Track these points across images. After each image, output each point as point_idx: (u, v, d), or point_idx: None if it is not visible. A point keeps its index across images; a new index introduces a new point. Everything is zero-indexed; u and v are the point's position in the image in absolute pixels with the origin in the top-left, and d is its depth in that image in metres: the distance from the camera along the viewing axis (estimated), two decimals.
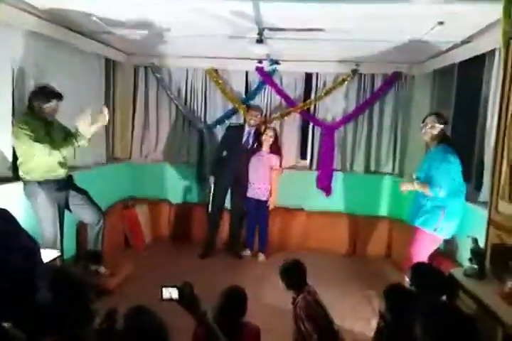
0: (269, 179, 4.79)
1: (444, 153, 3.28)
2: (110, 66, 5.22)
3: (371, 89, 5.27)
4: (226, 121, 5.42)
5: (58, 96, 3.41)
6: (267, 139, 4.74)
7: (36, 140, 3.28)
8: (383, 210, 5.43)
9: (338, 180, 5.45)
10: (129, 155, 5.59)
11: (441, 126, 3.38)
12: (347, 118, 5.34)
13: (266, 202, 4.82)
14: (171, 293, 1.80)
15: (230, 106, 5.43)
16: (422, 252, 3.39)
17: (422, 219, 3.42)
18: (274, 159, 4.79)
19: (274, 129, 4.89)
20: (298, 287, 2.68)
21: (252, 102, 5.38)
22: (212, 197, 4.83)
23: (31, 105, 3.37)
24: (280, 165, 4.86)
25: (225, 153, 4.83)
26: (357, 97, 5.31)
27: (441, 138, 3.39)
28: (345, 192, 5.50)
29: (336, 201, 5.49)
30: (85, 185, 3.88)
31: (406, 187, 3.43)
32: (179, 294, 1.79)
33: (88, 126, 3.39)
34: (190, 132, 5.52)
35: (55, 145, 3.37)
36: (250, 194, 4.82)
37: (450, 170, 3.24)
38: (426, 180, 3.33)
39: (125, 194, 5.52)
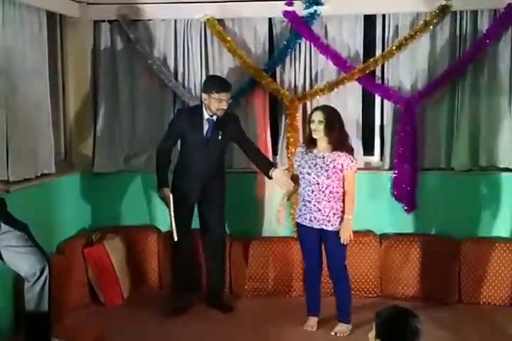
0: (339, 194, 4.56)
1: None
2: (56, 24, 5.27)
3: (473, 35, 5.17)
4: (240, 100, 5.45)
5: None
6: (319, 130, 4.49)
7: None
8: (505, 229, 5.31)
9: (426, 185, 5.40)
10: (91, 161, 5.62)
11: None
12: (436, 85, 5.24)
13: (334, 233, 4.55)
14: None
15: (246, 76, 5.46)
16: None
17: None
18: (343, 159, 4.48)
19: (326, 109, 4.59)
20: None
21: (279, 69, 5.44)
22: (176, 221, 4.85)
23: None
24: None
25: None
26: (450, 49, 5.25)
27: None
28: (441, 203, 5.41)
29: (426, 217, 5.42)
30: (21, 209, 3.90)
31: None
32: None
33: None
34: None
35: None
36: (305, 219, 4.60)
37: None
38: None
39: (87, 221, 5.60)
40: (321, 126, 4.45)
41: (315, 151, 4.55)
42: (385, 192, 5.38)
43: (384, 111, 5.44)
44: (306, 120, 5.00)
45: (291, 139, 5.31)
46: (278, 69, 5.44)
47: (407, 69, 5.33)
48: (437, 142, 5.38)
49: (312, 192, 4.51)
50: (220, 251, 5.14)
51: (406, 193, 5.32)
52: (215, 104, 4.68)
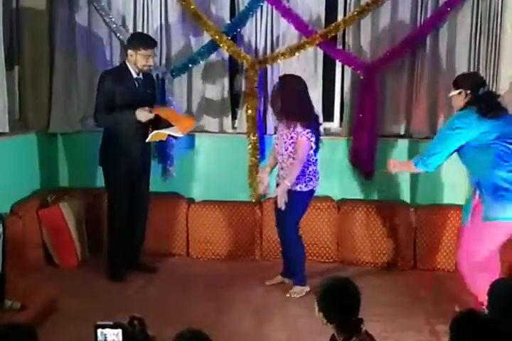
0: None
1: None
2: None
3: (434, 2, 5.22)
4: (201, 62, 5.46)
5: None
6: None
7: None
8: (460, 196, 5.35)
9: (384, 152, 5.45)
10: (46, 122, 5.58)
11: (456, 92, 4.15)
12: (396, 52, 5.29)
13: (288, 192, 4.60)
14: (109, 334, 2.00)
15: (206, 38, 5.46)
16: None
17: None
18: (298, 128, 4.53)
19: (278, 81, 4.73)
20: (347, 323, 2.67)
21: (240, 31, 5.46)
22: (114, 194, 4.92)
23: None
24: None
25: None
26: (412, 16, 5.30)
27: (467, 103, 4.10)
28: None
29: (383, 184, 5.49)
30: None
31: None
32: (124, 336, 1.97)
33: None
34: None
35: None
36: (277, 176, 4.81)
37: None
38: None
39: (42, 182, 5.56)
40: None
41: (284, 121, 4.66)
42: (344, 158, 5.47)
43: (344, 77, 5.50)
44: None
45: (251, 103, 5.35)
46: (239, 32, 5.44)
47: (368, 35, 5.37)
48: (396, 109, 5.46)
49: (279, 161, 4.69)
50: (146, 210, 5.10)
51: (364, 160, 5.41)
52: (142, 61, 4.68)
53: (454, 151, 4.08)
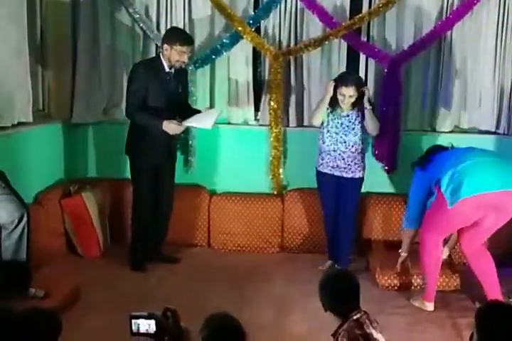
0: (362, 148, 4.91)
1: None
2: None
3: None
4: (224, 54, 5.47)
5: None
6: (348, 103, 4.75)
7: None
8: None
9: (407, 146, 5.47)
10: (69, 112, 5.60)
11: None
12: (422, 45, 5.30)
13: (352, 180, 4.85)
14: (142, 325, 2.03)
15: (230, 29, 5.47)
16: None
17: None
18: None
19: (358, 83, 4.76)
20: (344, 312, 2.83)
21: (264, 23, 5.46)
22: (139, 183, 4.98)
23: None
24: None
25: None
26: (438, 8, 5.29)
27: None
28: None
29: (406, 178, 5.26)
30: None
31: None
32: (157, 327, 2.00)
33: None
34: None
35: None
36: (326, 167, 4.89)
37: None
38: None
39: (65, 172, 5.62)
40: (352, 100, 4.71)
41: (338, 111, 4.79)
42: (367, 151, 5.42)
43: (368, 70, 5.51)
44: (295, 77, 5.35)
45: (274, 95, 5.37)
46: (263, 24, 5.46)
47: (393, 28, 5.37)
48: (421, 102, 5.48)
49: (337, 149, 4.80)
50: (170, 201, 5.15)
51: (387, 153, 5.44)
52: (176, 56, 4.70)
53: None
